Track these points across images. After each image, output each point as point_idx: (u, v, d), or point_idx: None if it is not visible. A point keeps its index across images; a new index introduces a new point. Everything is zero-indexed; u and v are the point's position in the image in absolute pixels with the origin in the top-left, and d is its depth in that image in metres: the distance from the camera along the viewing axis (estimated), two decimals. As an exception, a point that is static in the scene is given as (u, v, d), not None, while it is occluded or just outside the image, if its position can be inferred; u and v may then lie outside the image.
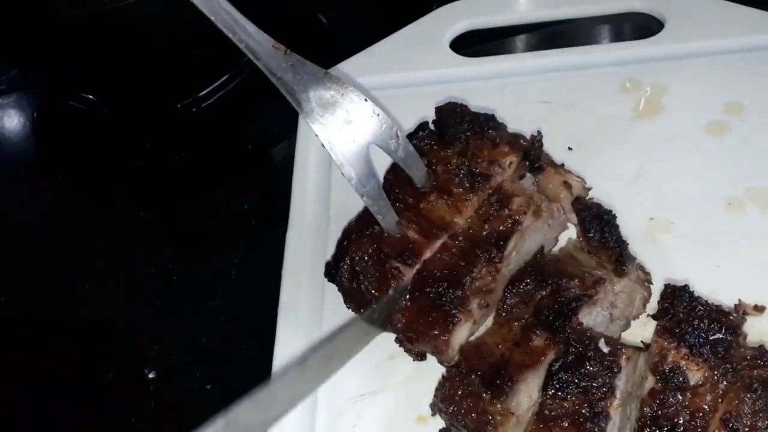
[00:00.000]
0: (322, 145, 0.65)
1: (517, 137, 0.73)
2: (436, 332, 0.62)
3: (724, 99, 0.83)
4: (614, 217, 0.66)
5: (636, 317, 0.66)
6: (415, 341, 0.63)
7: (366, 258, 0.66)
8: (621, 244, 0.64)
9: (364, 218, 0.69)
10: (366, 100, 0.67)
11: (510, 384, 0.56)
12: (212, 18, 0.62)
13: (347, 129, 0.66)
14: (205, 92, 1.03)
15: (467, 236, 0.66)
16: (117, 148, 1.01)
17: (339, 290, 0.68)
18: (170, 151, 0.98)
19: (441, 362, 0.63)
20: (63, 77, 1.05)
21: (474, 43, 0.97)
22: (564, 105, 0.85)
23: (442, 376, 0.59)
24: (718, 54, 0.89)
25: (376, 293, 0.64)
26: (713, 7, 0.93)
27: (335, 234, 0.77)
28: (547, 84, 0.88)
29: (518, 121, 0.76)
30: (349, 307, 0.68)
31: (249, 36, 0.63)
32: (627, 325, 0.65)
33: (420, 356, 0.66)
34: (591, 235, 0.65)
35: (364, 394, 0.65)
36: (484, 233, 0.66)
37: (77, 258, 0.88)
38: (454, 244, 0.66)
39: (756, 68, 0.87)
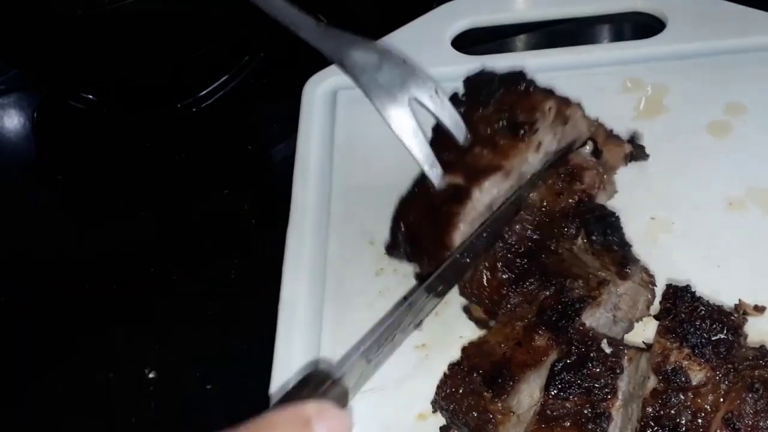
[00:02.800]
0: (367, 97, 0.68)
1: (549, 89, 0.74)
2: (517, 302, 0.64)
3: (725, 99, 0.83)
4: (618, 219, 0.66)
5: (639, 319, 0.65)
6: (492, 313, 0.65)
7: (419, 216, 0.67)
8: (624, 247, 0.64)
9: (413, 188, 0.71)
10: (404, 60, 0.69)
11: (511, 383, 0.56)
12: (260, 5, 0.68)
13: (389, 85, 0.68)
14: (205, 92, 1.03)
15: (541, 209, 0.68)
16: (117, 148, 1.00)
17: (404, 259, 0.69)
18: (170, 151, 0.98)
19: None
20: (63, 77, 1.05)
21: (476, 42, 0.97)
22: (565, 104, 0.85)
23: (444, 374, 0.59)
24: (719, 54, 0.89)
25: (440, 241, 0.65)
26: (715, 7, 0.93)
27: (336, 234, 0.77)
28: (548, 83, 0.87)
29: (519, 120, 0.76)
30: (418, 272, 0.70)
31: (291, 15, 0.70)
32: (630, 327, 0.65)
33: (484, 324, 0.67)
34: (594, 237, 0.64)
35: (365, 391, 0.65)
36: (558, 208, 0.68)
37: (77, 258, 0.87)
38: (530, 219, 0.68)
39: (757, 69, 0.87)
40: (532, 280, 0.63)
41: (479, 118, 0.72)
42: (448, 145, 0.71)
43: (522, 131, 0.70)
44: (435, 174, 0.68)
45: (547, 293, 0.62)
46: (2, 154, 1.05)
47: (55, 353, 0.78)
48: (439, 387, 0.59)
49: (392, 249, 0.70)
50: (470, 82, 0.76)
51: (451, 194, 0.67)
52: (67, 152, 1.03)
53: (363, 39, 0.70)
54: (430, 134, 0.72)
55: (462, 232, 0.66)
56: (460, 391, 0.57)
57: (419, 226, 0.67)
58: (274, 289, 0.73)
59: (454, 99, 0.75)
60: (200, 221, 0.91)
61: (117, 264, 0.85)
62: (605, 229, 0.65)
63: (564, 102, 0.75)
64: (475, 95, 0.74)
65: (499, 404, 0.55)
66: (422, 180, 0.69)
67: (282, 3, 0.70)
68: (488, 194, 0.68)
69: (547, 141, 0.72)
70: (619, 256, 0.63)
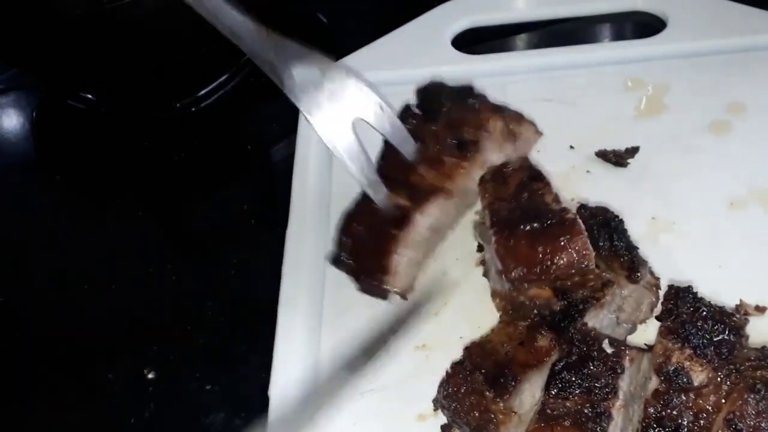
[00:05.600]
0: (306, 120, 0.66)
1: (498, 105, 0.74)
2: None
3: (726, 98, 0.83)
4: (621, 222, 0.65)
5: (643, 321, 0.65)
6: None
7: (363, 233, 0.67)
8: (632, 251, 0.63)
9: (359, 202, 0.70)
10: (347, 73, 0.67)
11: (513, 383, 0.56)
12: (193, 5, 0.62)
13: (332, 104, 0.67)
14: (204, 92, 1.03)
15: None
16: (116, 147, 1.00)
17: (347, 273, 0.68)
18: (170, 151, 0.98)
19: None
20: (62, 77, 1.05)
21: (476, 41, 0.97)
22: (566, 103, 0.85)
23: (447, 372, 0.59)
24: (720, 53, 0.89)
25: (380, 264, 0.66)
26: (716, 6, 0.93)
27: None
28: (549, 82, 0.88)
29: (520, 119, 0.76)
30: (360, 289, 0.69)
31: (231, 19, 0.64)
32: (633, 329, 0.64)
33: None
34: (601, 243, 0.63)
35: (365, 392, 0.65)
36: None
37: (77, 258, 0.87)
38: None
39: (758, 68, 0.86)
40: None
41: (428, 133, 0.72)
42: (395, 161, 0.71)
43: (467, 152, 0.70)
44: (379, 196, 0.68)
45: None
46: (1, 154, 1.05)
47: (55, 353, 0.78)
48: (441, 386, 0.59)
49: (336, 260, 0.70)
50: (421, 93, 0.76)
51: (395, 217, 0.67)
52: (66, 152, 1.03)
53: (305, 49, 0.67)
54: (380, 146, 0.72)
55: (402, 256, 0.66)
56: (462, 390, 0.57)
57: (361, 244, 0.67)
58: (274, 288, 0.73)
59: (408, 110, 0.75)
60: (200, 221, 0.91)
61: (116, 264, 0.85)
62: (611, 235, 0.64)
63: (514, 119, 0.74)
64: (426, 107, 0.74)
65: (501, 404, 0.55)
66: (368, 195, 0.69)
67: (220, 7, 0.64)
68: (430, 217, 0.69)
69: (493, 159, 0.72)
70: (628, 261, 0.63)
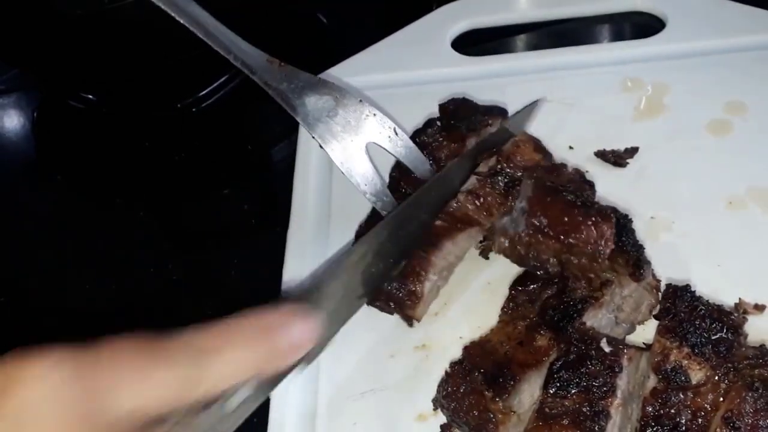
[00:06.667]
0: (320, 147, 0.66)
1: (535, 138, 0.74)
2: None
3: (726, 98, 0.83)
4: (630, 220, 0.65)
5: (642, 322, 0.65)
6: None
7: None
8: (638, 249, 0.64)
9: (372, 219, 0.69)
10: (361, 101, 0.67)
11: (512, 383, 0.56)
12: (208, 41, 0.65)
13: (345, 131, 0.67)
14: (205, 92, 1.03)
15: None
16: (117, 147, 1.00)
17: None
18: (170, 151, 0.98)
19: None
20: (63, 77, 1.05)
21: (475, 43, 0.97)
22: (565, 104, 0.85)
23: (446, 372, 0.59)
24: (720, 53, 0.88)
25: (410, 286, 0.65)
26: (715, 6, 0.93)
27: (336, 234, 0.77)
28: (548, 83, 0.87)
29: (519, 120, 0.76)
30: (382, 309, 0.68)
31: (243, 53, 0.67)
32: (632, 329, 0.64)
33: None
34: None
35: (365, 392, 0.65)
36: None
37: (77, 258, 0.87)
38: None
39: (758, 67, 0.86)
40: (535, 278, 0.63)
41: (455, 152, 0.71)
42: (413, 178, 0.71)
43: (513, 190, 0.69)
44: None
45: (550, 292, 0.62)
46: (2, 154, 1.05)
47: (55, 353, 0.78)
48: (440, 385, 0.59)
49: None
50: (447, 110, 0.76)
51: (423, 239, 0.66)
52: (67, 152, 1.03)
53: (318, 79, 0.68)
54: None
55: (430, 281, 0.65)
56: (461, 389, 0.57)
57: None
58: (274, 289, 0.73)
59: (430, 125, 0.75)
60: (200, 221, 0.91)
61: (116, 263, 0.85)
62: (619, 231, 0.64)
63: (545, 155, 0.74)
64: (455, 123, 0.73)
65: (500, 404, 0.55)
66: None
67: (233, 41, 0.67)
68: (458, 246, 0.68)
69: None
70: (634, 258, 0.63)
